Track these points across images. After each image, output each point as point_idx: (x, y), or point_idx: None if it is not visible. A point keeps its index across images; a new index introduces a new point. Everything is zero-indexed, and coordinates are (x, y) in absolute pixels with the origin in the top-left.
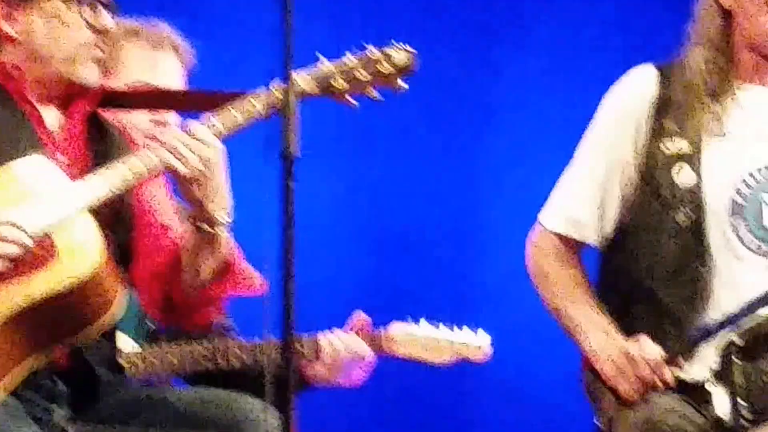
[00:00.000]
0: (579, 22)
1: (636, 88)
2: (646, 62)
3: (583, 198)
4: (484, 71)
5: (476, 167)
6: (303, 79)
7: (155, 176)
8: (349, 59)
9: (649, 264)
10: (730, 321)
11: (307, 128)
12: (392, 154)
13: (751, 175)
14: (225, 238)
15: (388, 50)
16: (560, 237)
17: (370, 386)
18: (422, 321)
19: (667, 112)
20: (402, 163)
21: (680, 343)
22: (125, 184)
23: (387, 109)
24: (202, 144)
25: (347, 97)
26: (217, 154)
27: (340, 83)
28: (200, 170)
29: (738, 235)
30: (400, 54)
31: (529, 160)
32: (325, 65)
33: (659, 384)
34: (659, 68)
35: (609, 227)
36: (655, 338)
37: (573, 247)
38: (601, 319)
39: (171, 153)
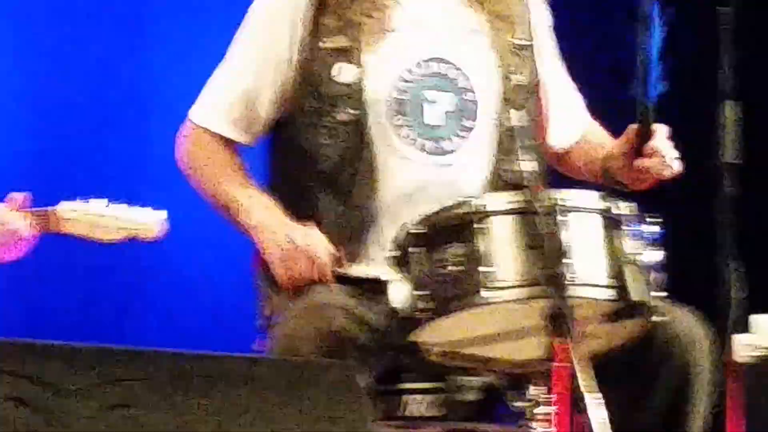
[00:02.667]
0: None
1: None
2: None
3: (234, 96)
4: None
5: (147, 38)
6: None
7: None
8: None
9: (311, 164)
10: None
11: None
12: (60, 27)
13: (410, 70)
14: None
15: None
16: (212, 134)
17: (41, 264)
18: (92, 199)
19: (326, 8)
20: (71, 37)
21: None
22: None
23: None
24: None
25: None
26: None
27: None
28: None
29: (400, 133)
30: None
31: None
32: None
33: (320, 279)
34: None
35: (262, 126)
36: None
37: (226, 143)
38: (264, 197)
39: None
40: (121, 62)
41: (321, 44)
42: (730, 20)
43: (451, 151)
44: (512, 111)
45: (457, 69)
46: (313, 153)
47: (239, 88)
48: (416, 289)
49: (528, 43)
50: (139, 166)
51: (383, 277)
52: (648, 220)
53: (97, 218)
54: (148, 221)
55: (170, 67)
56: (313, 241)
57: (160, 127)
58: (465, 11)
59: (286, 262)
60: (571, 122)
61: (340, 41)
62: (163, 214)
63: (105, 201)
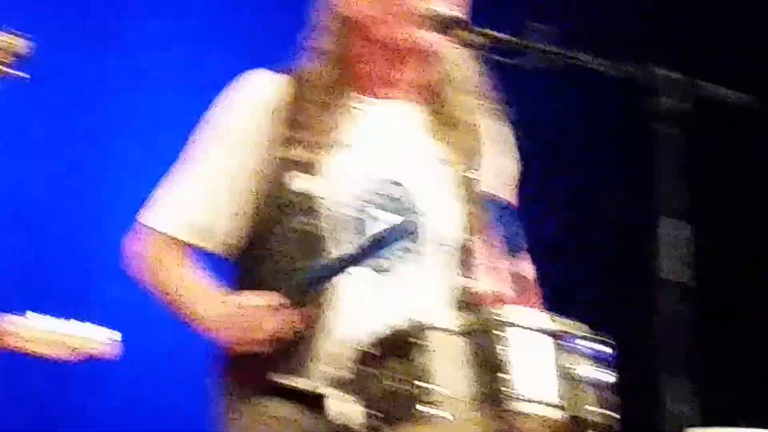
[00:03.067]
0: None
1: (254, 94)
2: (260, 67)
3: (198, 202)
4: (101, 63)
5: (100, 149)
6: None
7: None
8: None
9: (271, 272)
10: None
11: None
12: (11, 140)
13: (363, 187)
14: None
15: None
16: (173, 241)
17: None
18: (40, 314)
19: (286, 120)
20: (21, 149)
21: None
22: None
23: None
24: None
25: None
26: None
27: None
28: None
29: (349, 248)
30: (13, 40)
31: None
32: None
33: (265, 328)
34: (277, 74)
35: (228, 234)
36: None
37: (186, 250)
38: (217, 293)
39: None
40: (72, 171)
41: (279, 153)
42: (676, 139)
43: (397, 270)
44: (462, 236)
45: (410, 192)
46: (273, 263)
47: (208, 196)
48: (358, 403)
49: (481, 176)
50: (92, 280)
51: (326, 392)
52: (599, 340)
53: (47, 334)
54: (101, 339)
55: (124, 177)
56: (250, 298)
57: (115, 242)
58: (426, 138)
59: (230, 322)
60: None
61: (299, 151)
62: (116, 335)
63: (48, 317)
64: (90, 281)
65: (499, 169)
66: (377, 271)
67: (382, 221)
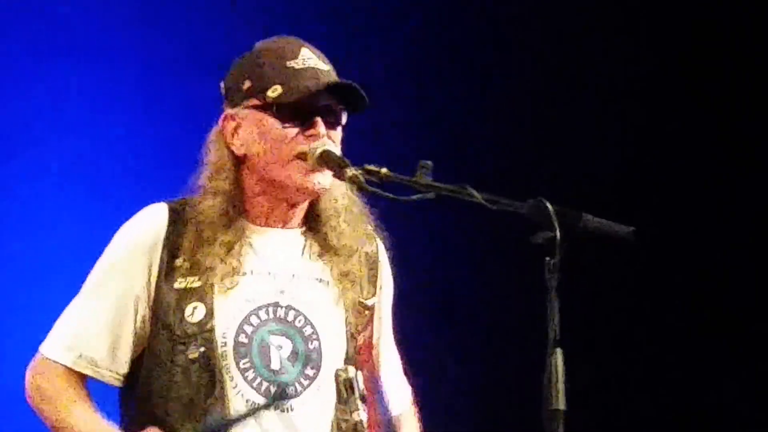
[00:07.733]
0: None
1: (148, 226)
2: (159, 200)
3: (95, 334)
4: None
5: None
6: None
7: None
8: None
9: (165, 400)
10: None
11: None
12: None
13: (258, 315)
14: None
15: None
16: (69, 371)
17: None
18: None
19: (179, 251)
20: None
21: None
22: None
23: None
24: None
25: None
26: None
27: None
28: None
29: (245, 376)
30: None
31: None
32: None
33: None
34: (171, 207)
35: (123, 364)
36: None
37: (81, 379)
38: (111, 428)
39: None
40: None
41: (174, 284)
42: (556, 270)
43: (294, 397)
44: (352, 366)
45: (305, 317)
46: (167, 392)
47: (100, 327)
48: None
49: (372, 303)
50: None
51: None
52: None
53: None
54: None
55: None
56: None
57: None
58: (316, 264)
59: None
60: (400, 389)
61: (193, 283)
62: None
63: None
64: None
65: (386, 295)
66: (277, 397)
67: (281, 347)
